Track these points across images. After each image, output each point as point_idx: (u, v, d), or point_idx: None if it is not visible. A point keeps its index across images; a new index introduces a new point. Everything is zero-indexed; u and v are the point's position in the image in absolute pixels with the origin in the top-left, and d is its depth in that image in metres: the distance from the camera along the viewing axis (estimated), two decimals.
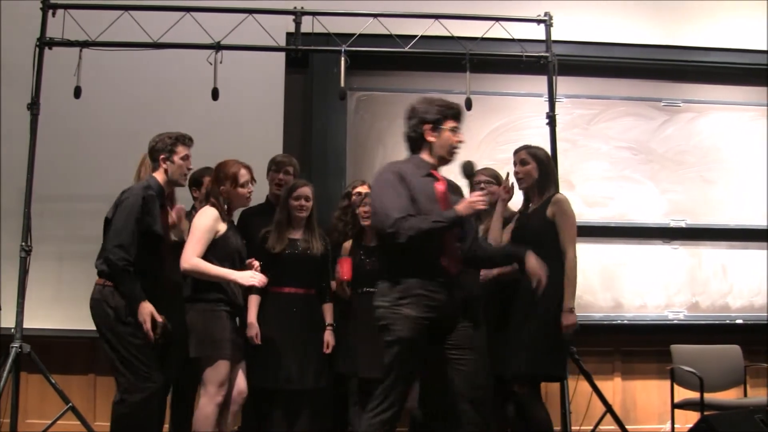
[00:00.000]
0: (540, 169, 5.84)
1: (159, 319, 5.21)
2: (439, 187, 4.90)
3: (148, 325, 5.17)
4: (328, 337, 6.06)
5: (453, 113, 4.97)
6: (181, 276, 5.57)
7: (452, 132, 4.92)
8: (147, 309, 5.19)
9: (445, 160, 4.96)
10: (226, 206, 5.68)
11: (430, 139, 4.90)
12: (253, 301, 5.96)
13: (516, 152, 5.97)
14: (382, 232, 4.73)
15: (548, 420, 5.59)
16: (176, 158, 5.53)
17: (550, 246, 5.55)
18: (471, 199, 4.76)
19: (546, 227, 5.64)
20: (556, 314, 5.51)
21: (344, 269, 6.11)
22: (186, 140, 5.60)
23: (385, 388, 4.63)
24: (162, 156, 5.51)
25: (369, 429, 4.61)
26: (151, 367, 5.25)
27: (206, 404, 5.41)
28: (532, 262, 4.98)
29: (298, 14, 7.05)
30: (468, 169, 5.17)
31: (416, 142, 4.97)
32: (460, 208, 4.73)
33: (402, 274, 4.71)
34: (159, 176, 5.52)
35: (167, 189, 5.63)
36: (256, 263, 5.69)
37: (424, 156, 4.95)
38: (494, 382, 5.75)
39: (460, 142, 4.96)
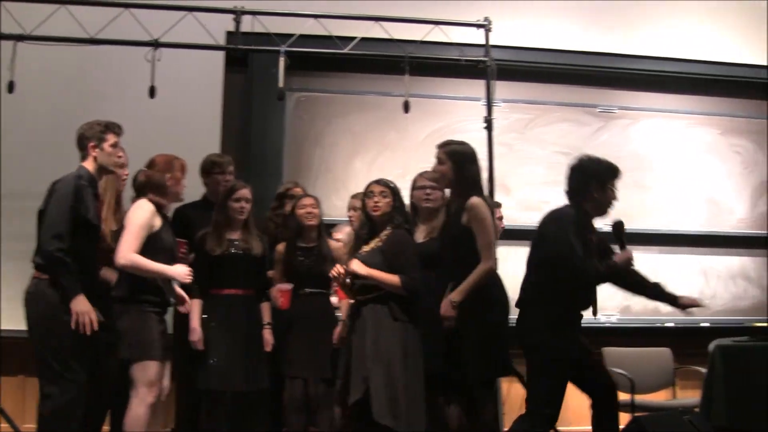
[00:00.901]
0: (455, 170, 5.67)
1: (94, 316, 5.15)
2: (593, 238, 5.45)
3: (83, 319, 5.02)
4: (267, 335, 6.04)
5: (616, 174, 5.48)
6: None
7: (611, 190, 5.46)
8: (83, 303, 5.06)
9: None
10: (166, 198, 5.69)
11: (595, 195, 5.40)
12: (196, 305, 5.92)
13: (437, 147, 5.85)
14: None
15: (496, 418, 5.77)
16: (106, 146, 5.39)
17: (470, 252, 5.49)
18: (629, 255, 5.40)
19: (463, 234, 5.53)
20: (492, 316, 5.50)
21: (284, 300, 6.10)
22: (115, 128, 5.48)
23: None
24: (91, 144, 5.37)
25: None
26: (80, 365, 5.13)
27: (137, 405, 5.39)
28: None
29: (238, 13, 7.04)
30: (617, 228, 5.56)
31: (578, 194, 5.44)
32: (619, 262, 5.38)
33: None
34: (89, 165, 5.38)
35: (98, 177, 5.49)
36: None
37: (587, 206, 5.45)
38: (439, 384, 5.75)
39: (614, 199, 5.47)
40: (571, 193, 5.49)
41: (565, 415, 8.10)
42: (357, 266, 5.60)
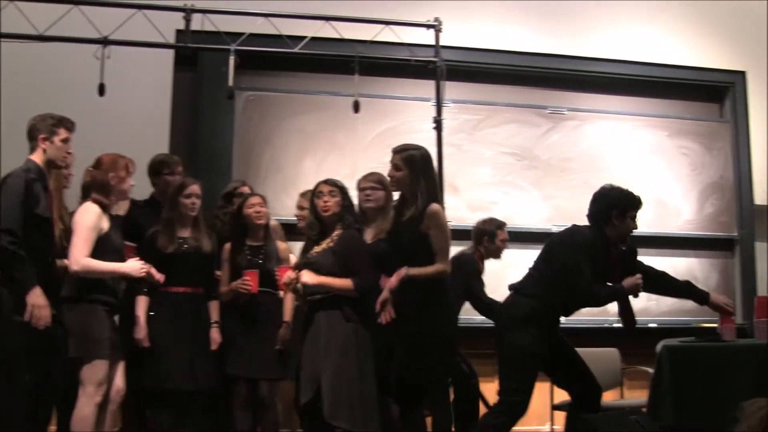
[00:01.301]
0: (412, 176, 5.62)
1: (48, 312, 5.07)
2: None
3: (38, 313, 4.94)
4: (215, 334, 6.03)
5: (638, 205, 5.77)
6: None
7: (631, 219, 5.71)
8: (39, 297, 4.97)
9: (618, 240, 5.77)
10: (112, 198, 5.67)
11: (615, 222, 5.64)
12: (142, 302, 5.87)
13: (393, 152, 5.82)
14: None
15: (450, 417, 5.96)
16: (57, 140, 5.33)
17: (425, 258, 5.52)
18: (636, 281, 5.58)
19: (420, 239, 5.53)
20: (437, 325, 5.53)
21: (253, 282, 6.10)
22: (68, 123, 5.41)
23: None
24: (42, 136, 5.30)
25: None
26: (28, 365, 5.06)
27: (84, 404, 5.36)
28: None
29: (188, 11, 6.99)
30: (630, 255, 5.87)
31: (599, 219, 5.68)
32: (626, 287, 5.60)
33: None
34: (37, 158, 5.31)
35: (47, 171, 5.40)
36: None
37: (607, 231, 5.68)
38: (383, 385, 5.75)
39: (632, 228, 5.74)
40: (592, 218, 5.73)
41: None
42: (307, 277, 5.61)
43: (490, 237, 7.19)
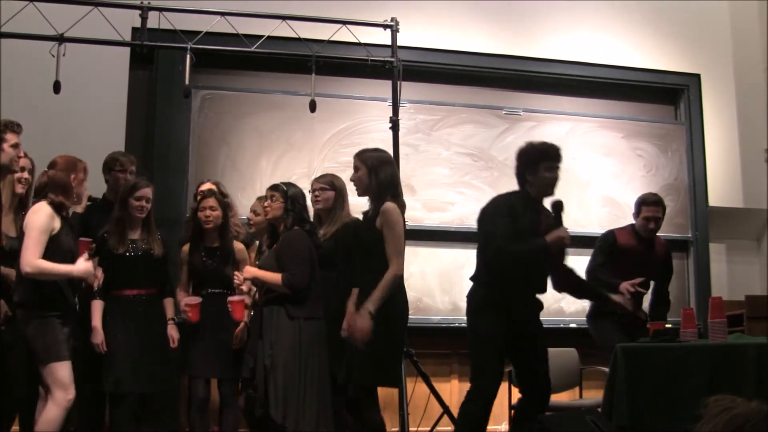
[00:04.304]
0: (371, 175, 5.71)
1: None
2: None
3: None
4: (172, 331, 6.11)
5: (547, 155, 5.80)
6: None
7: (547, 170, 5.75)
8: None
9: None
10: (68, 200, 5.66)
11: (530, 178, 5.75)
12: (97, 306, 5.93)
13: (354, 157, 5.92)
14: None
15: (382, 423, 5.77)
16: (5, 146, 5.45)
17: (381, 256, 5.55)
18: (560, 234, 5.63)
19: (375, 237, 5.57)
20: (390, 325, 5.56)
21: (192, 313, 6.17)
22: (14, 126, 5.53)
23: None
24: None
25: None
26: None
27: (51, 408, 5.36)
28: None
29: (144, 9, 7.08)
30: (555, 208, 5.81)
31: (518, 179, 5.86)
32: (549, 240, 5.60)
33: None
34: None
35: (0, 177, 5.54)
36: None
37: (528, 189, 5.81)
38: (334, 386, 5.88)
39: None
40: (517, 179, 5.86)
41: None
42: (246, 271, 5.83)
43: None
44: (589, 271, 7.08)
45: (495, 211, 5.76)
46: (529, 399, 5.91)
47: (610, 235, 7.29)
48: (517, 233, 5.58)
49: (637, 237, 7.22)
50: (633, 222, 7.29)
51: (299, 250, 5.81)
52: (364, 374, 5.55)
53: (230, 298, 6.14)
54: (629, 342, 6.19)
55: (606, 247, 7.19)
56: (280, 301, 5.78)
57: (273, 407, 5.55)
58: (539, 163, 5.73)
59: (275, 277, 5.74)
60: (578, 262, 8.82)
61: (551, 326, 8.45)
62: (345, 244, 6.02)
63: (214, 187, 6.79)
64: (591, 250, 7.24)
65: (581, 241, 8.90)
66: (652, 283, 7.21)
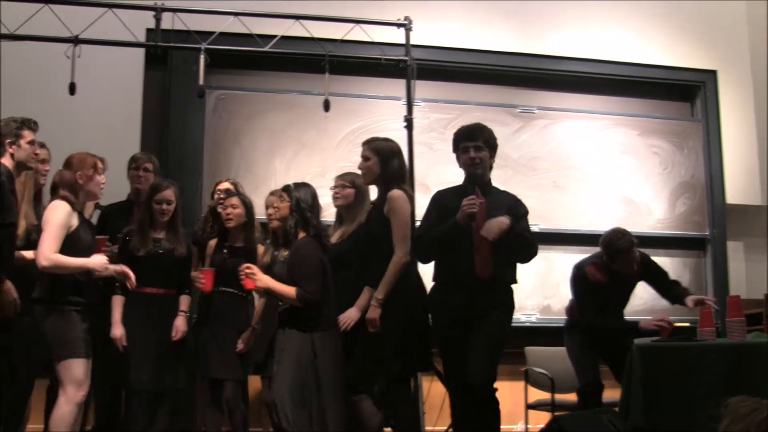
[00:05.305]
0: (381, 164, 5.83)
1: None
2: None
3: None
4: (179, 322, 6.12)
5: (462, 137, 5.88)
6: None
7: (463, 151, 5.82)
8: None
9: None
10: (79, 197, 5.70)
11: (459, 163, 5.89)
12: (117, 302, 6.00)
13: (362, 145, 6.02)
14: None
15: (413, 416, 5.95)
16: (23, 142, 5.51)
17: (389, 244, 5.64)
18: (469, 201, 5.48)
19: (383, 225, 5.67)
20: (402, 318, 5.65)
21: (207, 280, 6.23)
22: (31, 124, 5.59)
23: None
24: (8, 141, 5.47)
25: None
26: None
27: (63, 404, 5.40)
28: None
29: (158, 10, 7.10)
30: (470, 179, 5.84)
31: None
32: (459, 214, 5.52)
33: None
34: (6, 161, 5.46)
35: (16, 174, 5.58)
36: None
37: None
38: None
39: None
40: None
41: None
42: (260, 279, 5.75)
43: None
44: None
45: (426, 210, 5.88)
46: (463, 396, 5.73)
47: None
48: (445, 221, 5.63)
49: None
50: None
51: (311, 263, 5.72)
52: (393, 365, 5.66)
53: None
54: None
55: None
56: (291, 314, 5.71)
57: (283, 420, 5.52)
58: (458, 146, 5.85)
59: (289, 291, 5.64)
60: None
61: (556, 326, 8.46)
62: (358, 241, 6.01)
63: (231, 186, 6.88)
64: None
65: (598, 240, 8.97)
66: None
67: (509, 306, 5.76)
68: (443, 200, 5.75)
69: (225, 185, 6.91)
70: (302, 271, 5.69)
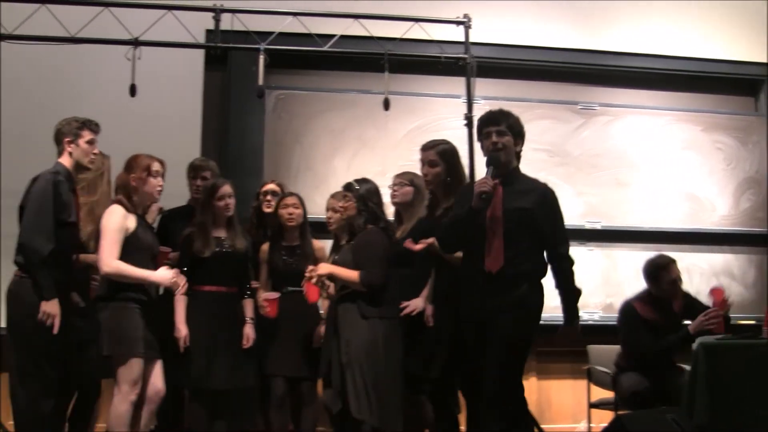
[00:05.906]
0: (449, 170, 5.88)
1: (57, 321, 5.27)
2: None
3: (47, 320, 5.22)
4: (248, 330, 6.15)
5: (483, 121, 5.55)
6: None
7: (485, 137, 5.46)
8: (52, 306, 5.27)
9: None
10: (135, 199, 5.74)
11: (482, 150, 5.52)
12: (181, 302, 6.03)
13: (423, 150, 6.02)
14: None
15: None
16: (81, 142, 5.60)
17: None
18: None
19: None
20: (446, 319, 5.66)
21: (271, 309, 6.26)
22: (92, 125, 5.67)
23: None
24: (67, 139, 5.58)
25: None
26: (51, 365, 5.35)
27: (119, 403, 5.47)
28: None
29: (217, 11, 7.16)
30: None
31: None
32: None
33: None
34: (65, 161, 5.59)
35: (75, 174, 5.68)
36: (171, 254, 6.05)
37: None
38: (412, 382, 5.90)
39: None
40: None
41: (546, 414, 8.41)
42: (322, 268, 5.85)
43: None
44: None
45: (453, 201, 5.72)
46: (470, 410, 5.62)
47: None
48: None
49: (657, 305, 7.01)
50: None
51: (376, 248, 5.84)
52: (429, 365, 5.70)
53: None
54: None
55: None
56: (354, 299, 5.81)
57: (353, 404, 5.59)
58: (481, 132, 5.51)
59: (352, 274, 5.76)
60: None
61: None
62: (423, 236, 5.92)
63: (277, 188, 6.91)
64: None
65: (661, 238, 8.91)
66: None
67: (528, 304, 5.36)
68: (467, 189, 5.54)
69: (271, 186, 6.93)
70: (367, 255, 5.81)
